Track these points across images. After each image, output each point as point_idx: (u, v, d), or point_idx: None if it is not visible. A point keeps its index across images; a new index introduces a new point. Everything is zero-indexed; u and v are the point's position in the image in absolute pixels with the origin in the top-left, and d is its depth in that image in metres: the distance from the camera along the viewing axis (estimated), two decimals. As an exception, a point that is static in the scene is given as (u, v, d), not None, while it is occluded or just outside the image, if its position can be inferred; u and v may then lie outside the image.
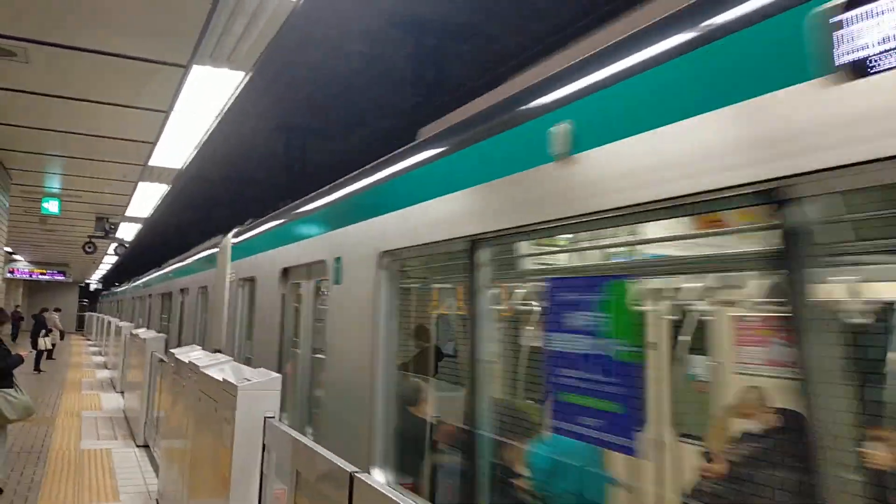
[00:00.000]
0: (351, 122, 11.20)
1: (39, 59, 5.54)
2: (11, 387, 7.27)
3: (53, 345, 23.32)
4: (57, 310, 25.64)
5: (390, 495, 2.55)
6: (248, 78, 5.76)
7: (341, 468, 2.97)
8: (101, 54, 5.33)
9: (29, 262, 32.16)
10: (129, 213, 13.81)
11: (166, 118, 6.94)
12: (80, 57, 5.42)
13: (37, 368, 19.37)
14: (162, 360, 8.91)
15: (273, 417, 4.32)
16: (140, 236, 18.91)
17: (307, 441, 3.57)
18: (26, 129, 7.75)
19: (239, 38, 5.09)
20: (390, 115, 9.70)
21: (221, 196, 18.90)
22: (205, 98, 6.33)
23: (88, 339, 36.22)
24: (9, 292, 34.85)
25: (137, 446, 9.95)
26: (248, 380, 4.43)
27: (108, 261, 30.08)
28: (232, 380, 4.49)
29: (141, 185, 10.68)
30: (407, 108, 8.10)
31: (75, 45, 5.19)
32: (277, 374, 4.45)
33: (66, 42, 5.18)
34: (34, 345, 20.09)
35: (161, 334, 11.17)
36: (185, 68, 5.52)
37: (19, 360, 7.57)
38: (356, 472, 2.89)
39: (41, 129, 7.70)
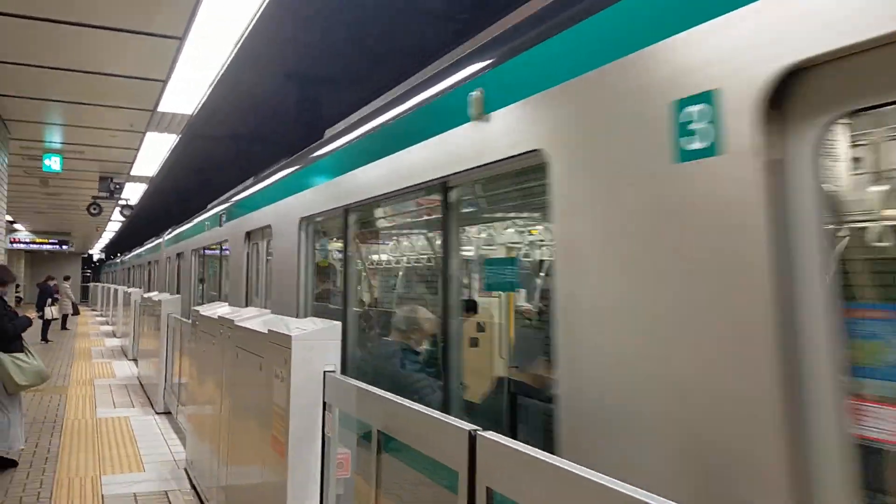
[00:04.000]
0: (367, 65, 10.43)
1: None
2: (22, 350, 6.64)
3: (65, 316, 22.72)
4: (66, 278, 24.73)
5: (526, 451, 1.94)
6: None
7: (456, 427, 2.31)
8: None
9: (30, 230, 31.40)
10: (134, 171, 13.08)
11: (180, 47, 6.19)
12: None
13: (44, 338, 18.81)
14: (181, 322, 8.29)
15: (333, 371, 3.67)
16: (144, 200, 18.17)
17: (391, 396, 2.92)
18: (26, 68, 6.98)
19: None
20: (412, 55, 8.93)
21: (226, 156, 18.15)
22: (224, 17, 5.58)
23: (94, 310, 35.73)
24: (10, 264, 34.23)
25: (157, 413, 9.37)
26: (302, 329, 3.77)
27: (112, 228, 29.32)
28: (282, 330, 3.84)
29: (149, 135, 9.93)
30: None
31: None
32: (336, 322, 3.80)
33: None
34: (40, 313, 19.51)
35: (176, 295, 10.53)
36: (207, -25, 4.78)
37: (27, 321, 6.93)
38: (476, 430, 2.25)
39: (43, 66, 6.93)
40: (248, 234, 8.01)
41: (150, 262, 20.94)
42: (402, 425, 2.77)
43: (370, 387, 3.14)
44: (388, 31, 9.05)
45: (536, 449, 1.98)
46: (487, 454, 2.17)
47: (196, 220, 12.19)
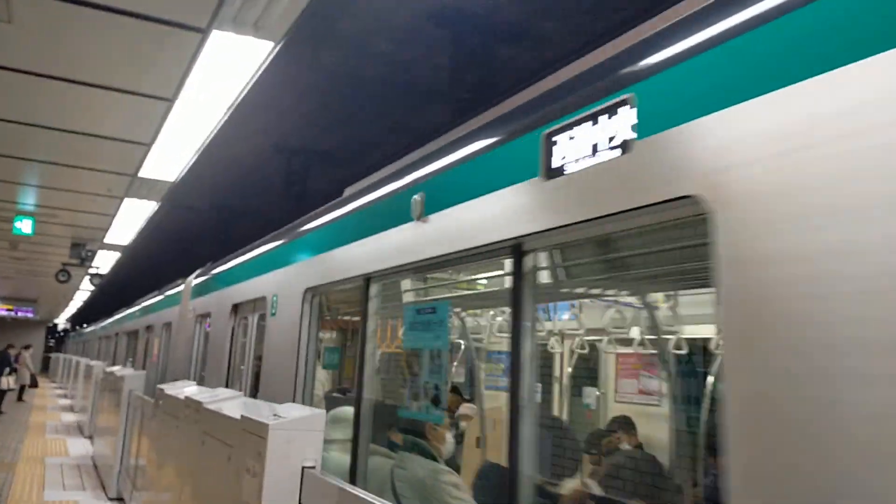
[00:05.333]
0: (361, 142, 10.26)
1: (27, 18, 4.54)
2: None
3: (22, 386, 21.71)
4: (27, 347, 23.76)
5: None
6: (275, 51, 4.79)
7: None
8: (106, 10, 4.34)
9: (-5, 295, 30.48)
10: (108, 238, 12.65)
11: (169, 109, 5.93)
12: (78, 15, 4.43)
13: (-3, 409, 17.83)
14: (143, 399, 7.73)
15: (314, 468, 3.23)
16: (115, 270, 17.61)
17: (381, 502, 2.50)
18: (4, 124, 6.68)
19: (272, -2, 4.16)
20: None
21: (207, 228, 17.76)
22: (218, 80, 5.35)
23: (54, 381, 34.32)
24: (-29, 329, 33.01)
25: (109, 499, 8.64)
26: (280, 416, 3.34)
27: (80, 297, 28.49)
28: (257, 417, 3.41)
29: (126, 202, 9.58)
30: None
31: (73, -4, 4.21)
32: (320, 411, 3.38)
33: (63, -7, 4.22)
34: (-5, 384, 18.57)
35: (141, 371, 9.93)
36: (204, 34, 4.55)
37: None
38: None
39: (21, 123, 6.62)
40: None
41: (149, 328, 13.27)
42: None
43: (357, 489, 2.71)
44: (385, 109, 8.86)
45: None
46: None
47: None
